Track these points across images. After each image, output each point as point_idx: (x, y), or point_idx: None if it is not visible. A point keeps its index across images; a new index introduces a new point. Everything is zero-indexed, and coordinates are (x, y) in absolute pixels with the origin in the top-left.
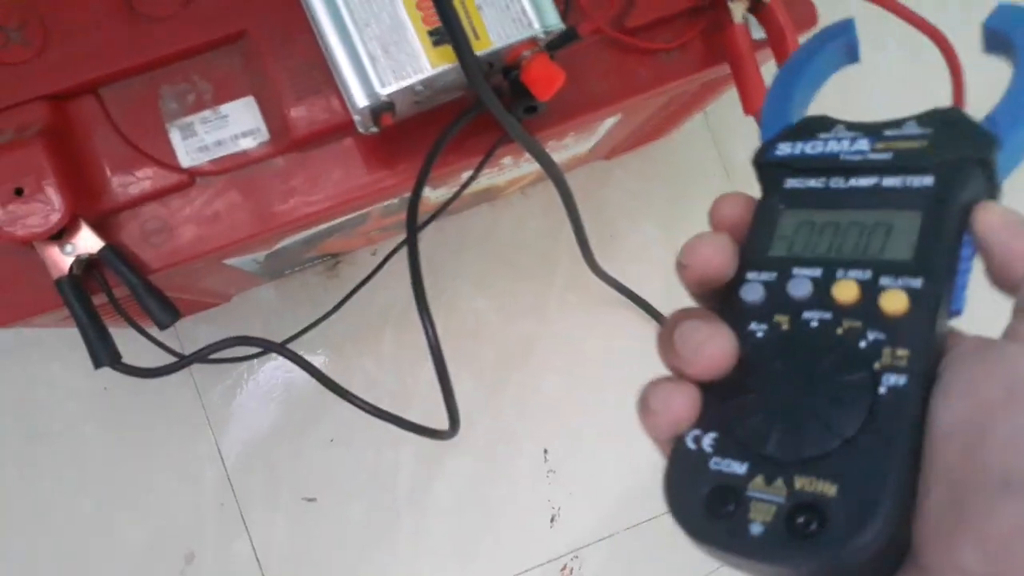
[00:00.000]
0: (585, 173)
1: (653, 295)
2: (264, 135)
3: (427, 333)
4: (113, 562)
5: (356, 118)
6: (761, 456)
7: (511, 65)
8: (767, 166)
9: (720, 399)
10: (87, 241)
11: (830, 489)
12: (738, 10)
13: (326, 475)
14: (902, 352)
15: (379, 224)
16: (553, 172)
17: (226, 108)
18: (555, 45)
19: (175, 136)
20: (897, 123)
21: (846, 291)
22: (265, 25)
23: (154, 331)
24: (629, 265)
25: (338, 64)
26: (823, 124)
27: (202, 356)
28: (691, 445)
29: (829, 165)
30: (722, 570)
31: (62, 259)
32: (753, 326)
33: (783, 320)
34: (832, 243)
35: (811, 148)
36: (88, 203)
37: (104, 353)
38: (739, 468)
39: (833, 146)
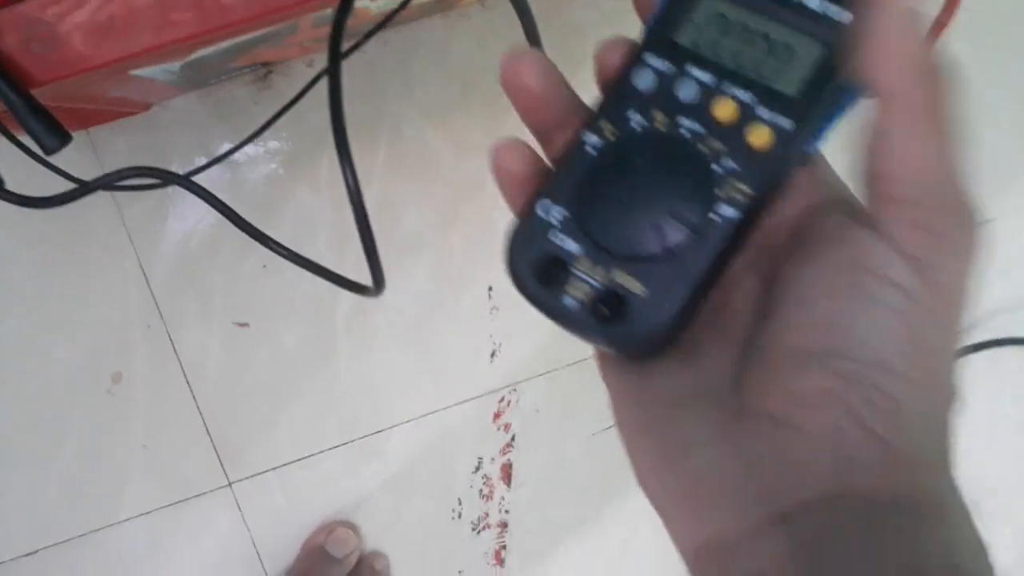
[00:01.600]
0: None
1: None
2: None
3: (346, 179)
4: (38, 381)
5: None
6: (595, 243)
7: None
8: None
9: (580, 177)
10: None
11: (638, 288)
12: None
13: (259, 301)
14: (745, 189)
15: (312, 35)
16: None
17: None
18: None
19: None
20: None
21: (724, 110)
22: None
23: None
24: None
25: None
26: None
27: (100, 185)
28: (540, 213)
29: None
30: None
31: None
32: (632, 114)
33: (660, 120)
34: (735, 49)
35: None
36: None
37: None
38: (573, 247)
39: None
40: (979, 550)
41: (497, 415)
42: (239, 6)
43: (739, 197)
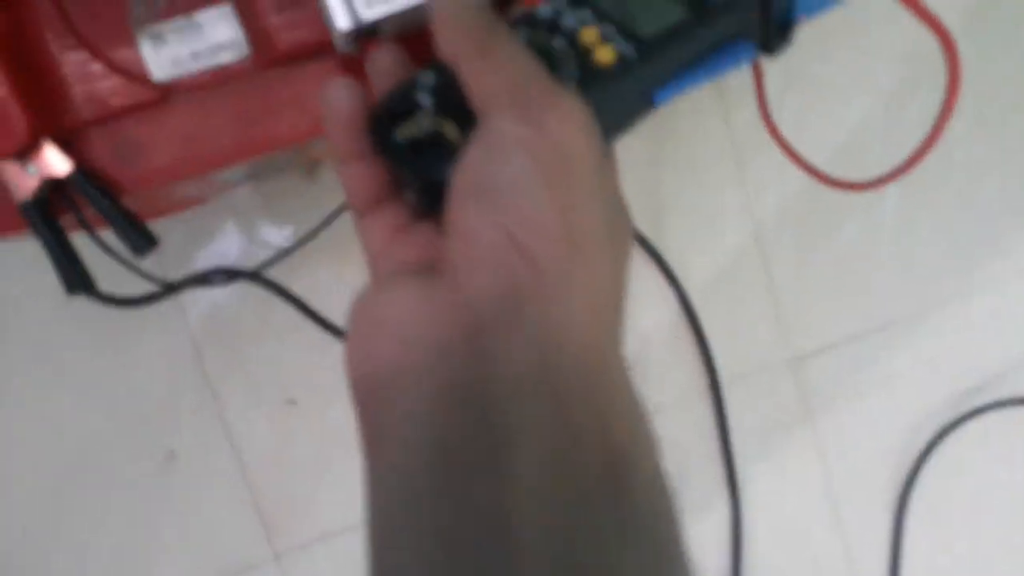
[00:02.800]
0: None
1: None
2: (243, 49)
3: None
4: (86, 457)
5: (335, 39)
6: (443, 103)
7: None
8: None
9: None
10: (54, 162)
11: (456, 137)
12: None
13: (309, 379)
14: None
15: None
16: None
17: (201, 17)
18: None
19: (145, 46)
20: None
21: (588, 35)
22: None
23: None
24: None
25: None
26: None
27: (185, 285)
28: (420, 78)
29: None
30: None
31: (27, 180)
32: (522, 29)
33: (540, 38)
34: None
35: None
36: (51, 120)
37: (76, 280)
38: (426, 102)
39: None
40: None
41: None
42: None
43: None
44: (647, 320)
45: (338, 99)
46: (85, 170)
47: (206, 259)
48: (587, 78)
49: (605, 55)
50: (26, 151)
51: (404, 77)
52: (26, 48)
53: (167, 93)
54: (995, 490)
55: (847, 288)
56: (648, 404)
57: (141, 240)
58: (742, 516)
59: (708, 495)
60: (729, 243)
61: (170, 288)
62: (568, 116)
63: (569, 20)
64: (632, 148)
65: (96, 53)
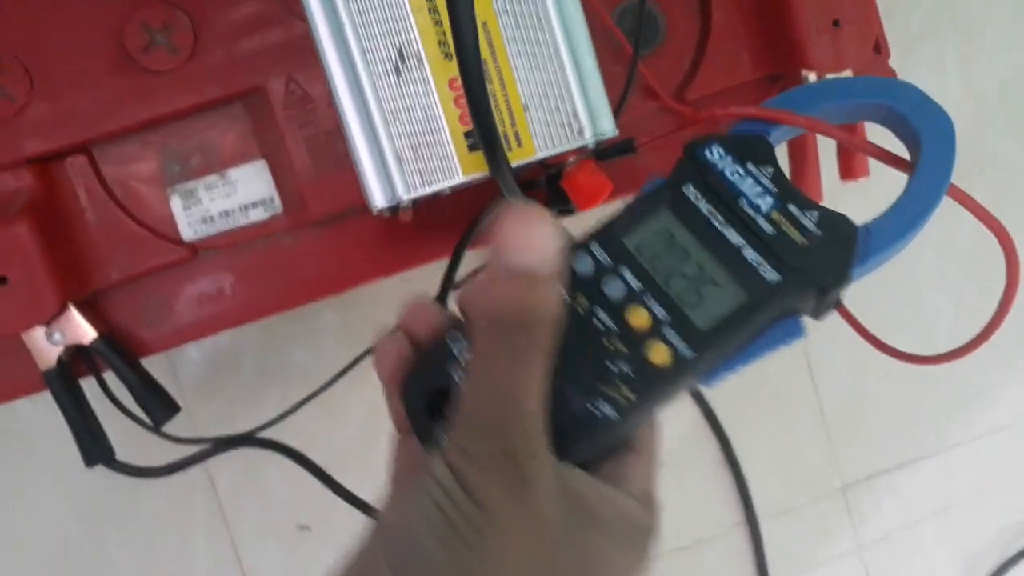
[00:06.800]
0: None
1: None
2: (276, 207)
3: None
4: None
5: (371, 208)
6: None
7: (553, 165)
8: (690, 158)
9: None
10: (78, 329)
11: None
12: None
13: (321, 504)
14: (630, 396)
15: None
16: None
17: (235, 173)
18: (606, 154)
19: (176, 204)
20: (807, 204)
21: (638, 318)
22: (281, 82)
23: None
24: None
25: (359, 158)
26: (762, 155)
27: (206, 455)
28: (450, 342)
29: (727, 201)
30: None
31: (49, 349)
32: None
33: (583, 304)
34: (671, 267)
35: (730, 173)
36: (79, 284)
37: (96, 450)
38: (457, 374)
39: (745, 186)
40: None
41: None
42: (341, 277)
43: (623, 402)
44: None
45: (386, 353)
46: (108, 335)
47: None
48: (639, 375)
49: (660, 356)
50: (53, 318)
51: (440, 324)
52: (59, 213)
53: (195, 251)
54: None
55: (897, 413)
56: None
57: (161, 410)
58: None
59: None
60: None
61: (187, 461)
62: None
63: (614, 288)
64: None
65: (128, 213)
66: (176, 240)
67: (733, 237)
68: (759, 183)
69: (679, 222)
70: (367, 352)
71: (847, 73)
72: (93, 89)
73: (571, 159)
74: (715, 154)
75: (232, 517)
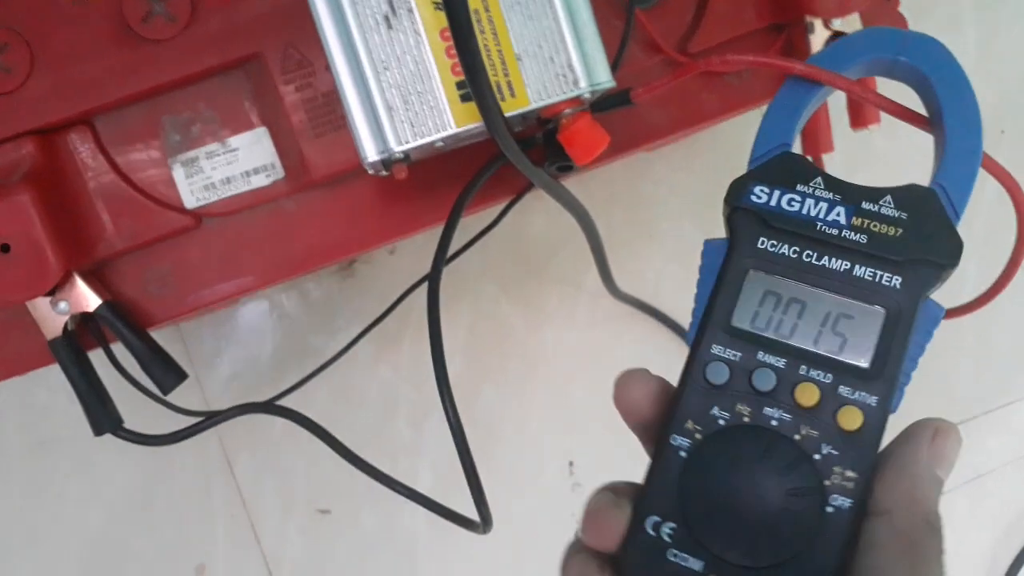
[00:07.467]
0: (624, 165)
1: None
2: (279, 172)
3: (449, 419)
4: (118, 573)
5: (366, 166)
6: (716, 557)
7: (549, 118)
8: (741, 211)
9: (678, 482)
10: (82, 297)
11: None
12: (818, 33)
13: (341, 487)
14: (851, 474)
15: None
16: (584, 222)
17: (235, 140)
18: (602, 105)
19: (178, 173)
20: (875, 194)
21: (807, 395)
22: (279, 48)
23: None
24: (668, 265)
25: (350, 110)
26: (802, 170)
27: (214, 422)
28: (650, 531)
29: (805, 232)
30: None
31: (55, 318)
32: (716, 411)
33: (745, 411)
34: (796, 325)
35: (788, 204)
36: (82, 253)
37: (105, 419)
38: (695, 565)
39: (811, 209)
40: None
41: None
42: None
43: (848, 484)
44: None
45: (628, 397)
46: (114, 304)
47: (232, 363)
48: (844, 449)
49: (851, 419)
50: (56, 287)
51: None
52: (61, 183)
53: (198, 219)
54: None
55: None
56: None
57: (169, 376)
58: None
59: None
60: None
61: (197, 426)
62: None
63: (764, 378)
64: None
65: (130, 182)
66: (179, 208)
67: (834, 264)
68: (821, 199)
69: (776, 277)
70: (385, 314)
71: (854, 18)
72: (93, 60)
73: (567, 110)
74: (761, 195)
75: (251, 501)
